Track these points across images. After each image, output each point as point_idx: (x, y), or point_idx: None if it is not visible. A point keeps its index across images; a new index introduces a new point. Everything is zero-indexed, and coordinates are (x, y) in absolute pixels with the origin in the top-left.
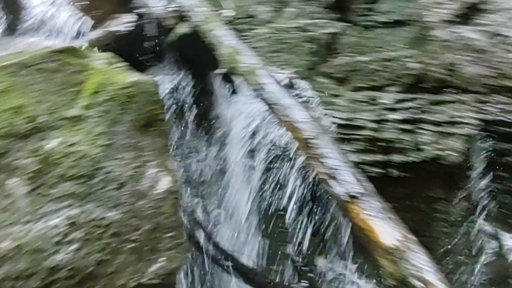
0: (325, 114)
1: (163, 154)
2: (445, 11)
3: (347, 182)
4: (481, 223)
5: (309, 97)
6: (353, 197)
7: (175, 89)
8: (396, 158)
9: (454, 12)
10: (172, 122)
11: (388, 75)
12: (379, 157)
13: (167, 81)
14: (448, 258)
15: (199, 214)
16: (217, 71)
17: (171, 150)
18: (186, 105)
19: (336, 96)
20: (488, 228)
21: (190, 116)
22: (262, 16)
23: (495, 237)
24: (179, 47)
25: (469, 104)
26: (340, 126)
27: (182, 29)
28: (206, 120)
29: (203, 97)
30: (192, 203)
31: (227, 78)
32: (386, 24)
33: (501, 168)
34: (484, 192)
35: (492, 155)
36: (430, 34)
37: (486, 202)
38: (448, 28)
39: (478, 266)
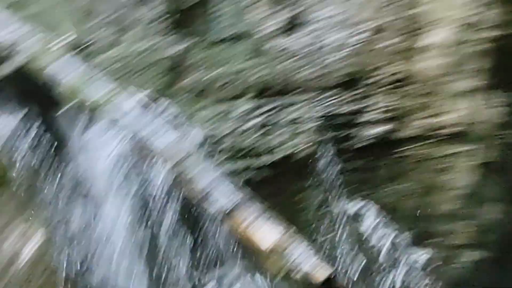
0: (189, 132)
1: (22, 214)
2: (273, 24)
3: (221, 198)
4: (337, 202)
5: (169, 117)
6: (229, 211)
7: (17, 135)
8: (259, 162)
9: (281, 24)
10: (25, 176)
11: (239, 86)
12: (244, 164)
13: (4, 127)
14: (318, 240)
15: (77, 267)
16: (63, 109)
17: (31, 207)
18: (36, 152)
19: (196, 111)
20: (343, 204)
21: (44, 163)
22: (107, 39)
23: (349, 211)
24: (11, 85)
25: (310, 103)
26: (205, 140)
27: (7, 68)
28: (62, 165)
29: (54, 140)
30: (67, 258)
31: (78, 113)
32: (228, 39)
33: (344, 151)
34: (335, 175)
35: (336, 142)
36: (265, 45)
37: (338, 183)
38: (278, 39)
39: (339, 237)
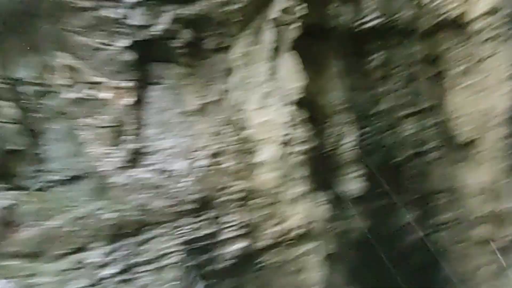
0: None
1: None
2: (116, 159)
3: None
4: None
5: None
6: None
7: None
8: None
9: (124, 158)
10: None
11: (87, 232)
12: None
13: None
14: None
15: None
16: None
17: None
18: None
19: (34, 275)
20: None
21: None
22: None
23: None
24: None
25: (169, 233)
26: None
27: None
28: None
29: None
30: None
31: None
32: (63, 182)
33: (210, 274)
34: None
35: (201, 267)
36: (110, 182)
37: None
38: (123, 173)
39: None
